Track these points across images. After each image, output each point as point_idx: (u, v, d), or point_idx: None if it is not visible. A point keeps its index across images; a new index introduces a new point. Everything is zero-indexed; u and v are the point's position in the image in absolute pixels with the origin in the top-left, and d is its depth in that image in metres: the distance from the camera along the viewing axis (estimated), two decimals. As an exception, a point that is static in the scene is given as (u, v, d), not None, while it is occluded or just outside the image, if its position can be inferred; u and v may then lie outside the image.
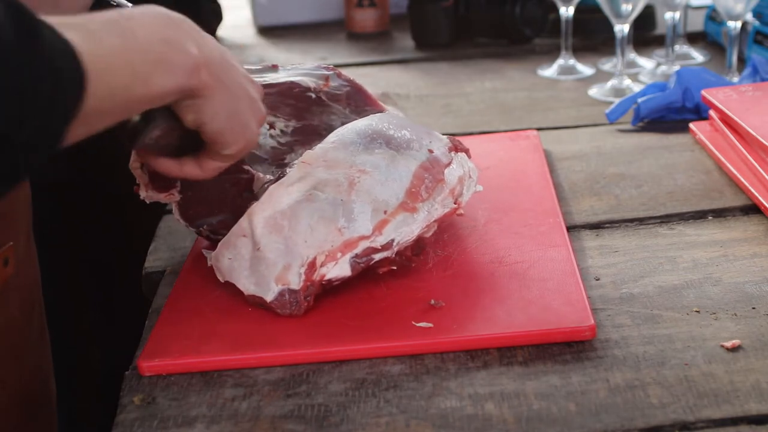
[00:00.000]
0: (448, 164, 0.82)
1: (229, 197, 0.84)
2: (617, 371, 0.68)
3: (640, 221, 0.90)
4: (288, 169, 0.80)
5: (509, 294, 0.76)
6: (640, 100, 1.13)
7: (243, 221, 0.77)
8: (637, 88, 1.23)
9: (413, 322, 0.73)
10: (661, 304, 0.75)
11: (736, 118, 0.97)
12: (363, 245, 0.75)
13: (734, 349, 0.69)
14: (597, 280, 0.80)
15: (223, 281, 0.78)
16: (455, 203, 0.81)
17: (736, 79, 1.20)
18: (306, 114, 0.91)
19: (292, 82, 0.91)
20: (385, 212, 0.76)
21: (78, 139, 0.57)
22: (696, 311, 0.74)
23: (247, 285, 0.76)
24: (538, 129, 1.15)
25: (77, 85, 0.53)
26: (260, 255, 0.75)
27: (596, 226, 0.90)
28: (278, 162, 0.87)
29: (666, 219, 0.90)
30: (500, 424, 0.63)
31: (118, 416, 0.67)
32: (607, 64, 1.39)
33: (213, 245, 0.83)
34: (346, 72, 0.96)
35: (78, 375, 1.21)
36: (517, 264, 0.80)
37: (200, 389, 0.69)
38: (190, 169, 0.73)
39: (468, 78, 1.40)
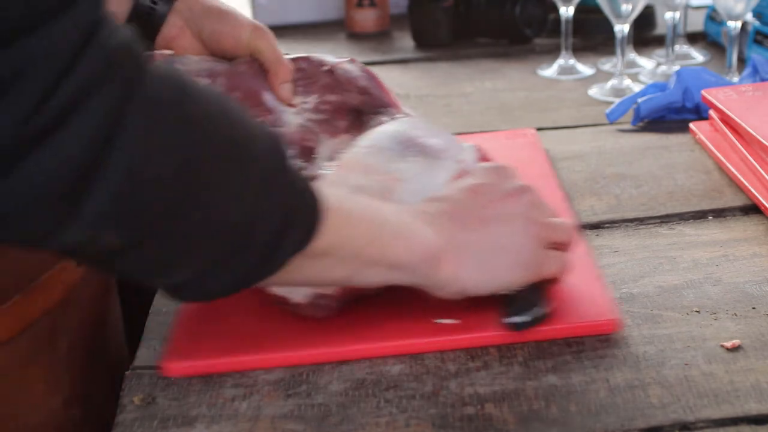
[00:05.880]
0: None
1: None
2: (617, 371, 0.68)
3: (640, 221, 0.90)
4: (322, 169, 0.80)
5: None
6: (640, 100, 1.13)
7: None
8: (637, 88, 1.23)
9: (434, 320, 0.73)
10: (661, 304, 0.75)
11: (736, 118, 0.97)
12: None
13: (734, 349, 0.69)
14: (597, 280, 0.80)
15: None
16: None
17: (736, 79, 1.20)
18: (322, 89, 0.90)
19: (307, 56, 0.91)
20: None
21: (310, 277, 0.65)
22: (696, 311, 0.74)
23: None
24: (538, 129, 1.15)
25: (313, 220, 0.61)
26: None
27: (596, 226, 0.90)
28: (305, 146, 0.86)
29: (666, 219, 0.90)
30: (500, 424, 0.63)
31: (118, 416, 0.67)
32: (607, 64, 1.38)
33: None
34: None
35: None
36: None
37: (200, 389, 0.69)
38: None
39: (468, 78, 1.40)
